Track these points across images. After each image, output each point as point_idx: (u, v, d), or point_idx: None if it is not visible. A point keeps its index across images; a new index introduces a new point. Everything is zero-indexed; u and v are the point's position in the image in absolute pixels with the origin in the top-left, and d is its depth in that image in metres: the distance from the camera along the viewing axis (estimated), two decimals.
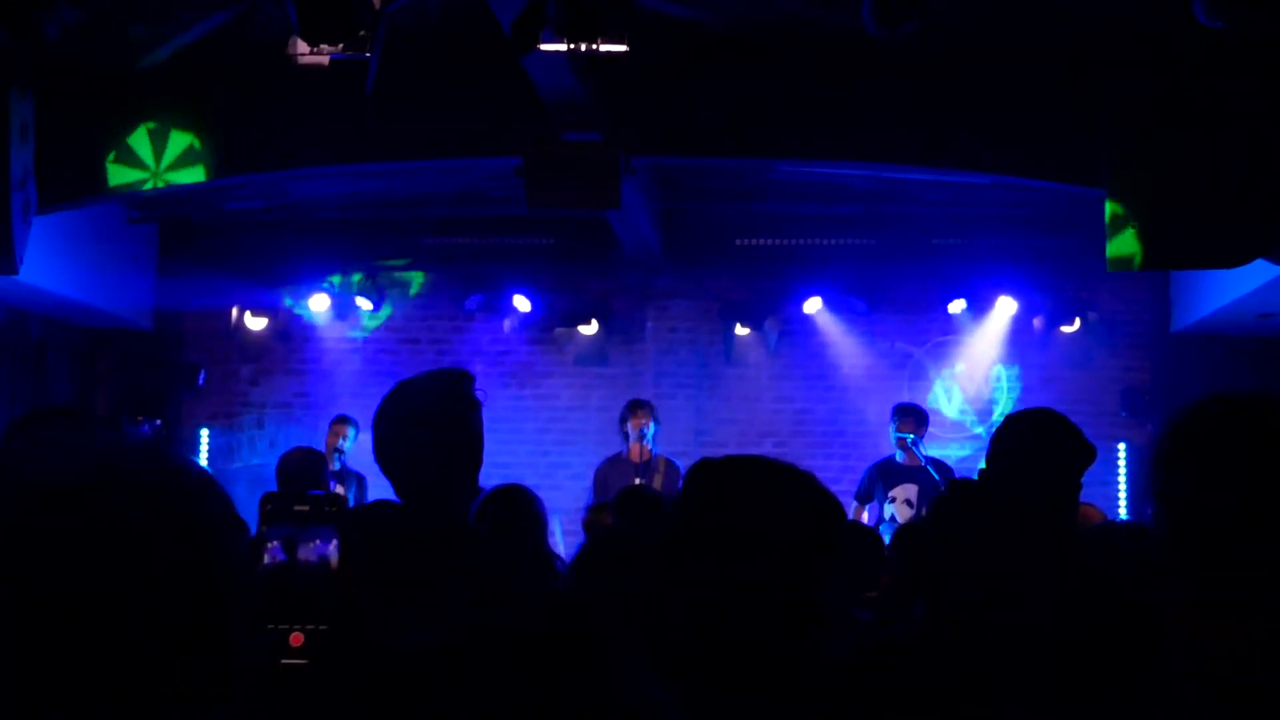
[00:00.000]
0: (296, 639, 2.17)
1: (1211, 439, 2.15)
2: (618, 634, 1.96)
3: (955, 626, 3.11)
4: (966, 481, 3.74)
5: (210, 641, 1.35)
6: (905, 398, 11.49)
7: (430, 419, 3.41)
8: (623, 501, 6.56)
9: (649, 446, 9.91)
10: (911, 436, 9.89)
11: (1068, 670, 3.30)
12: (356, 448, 10.38)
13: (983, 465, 4.02)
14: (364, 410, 12.25)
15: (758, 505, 2.11)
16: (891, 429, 10.07)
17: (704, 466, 2.24)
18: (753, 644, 2.02)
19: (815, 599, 2.07)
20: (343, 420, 10.61)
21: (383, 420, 3.44)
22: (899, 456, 9.95)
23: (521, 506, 5.38)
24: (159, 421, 9.90)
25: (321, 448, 10.48)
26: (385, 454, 3.42)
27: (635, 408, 10.09)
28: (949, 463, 10.23)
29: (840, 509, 2.25)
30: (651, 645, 2.03)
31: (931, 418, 10.54)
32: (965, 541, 3.30)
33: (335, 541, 2.86)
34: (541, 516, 5.48)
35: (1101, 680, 3.23)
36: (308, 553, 2.77)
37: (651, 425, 9.95)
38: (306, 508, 2.95)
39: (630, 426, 9.96)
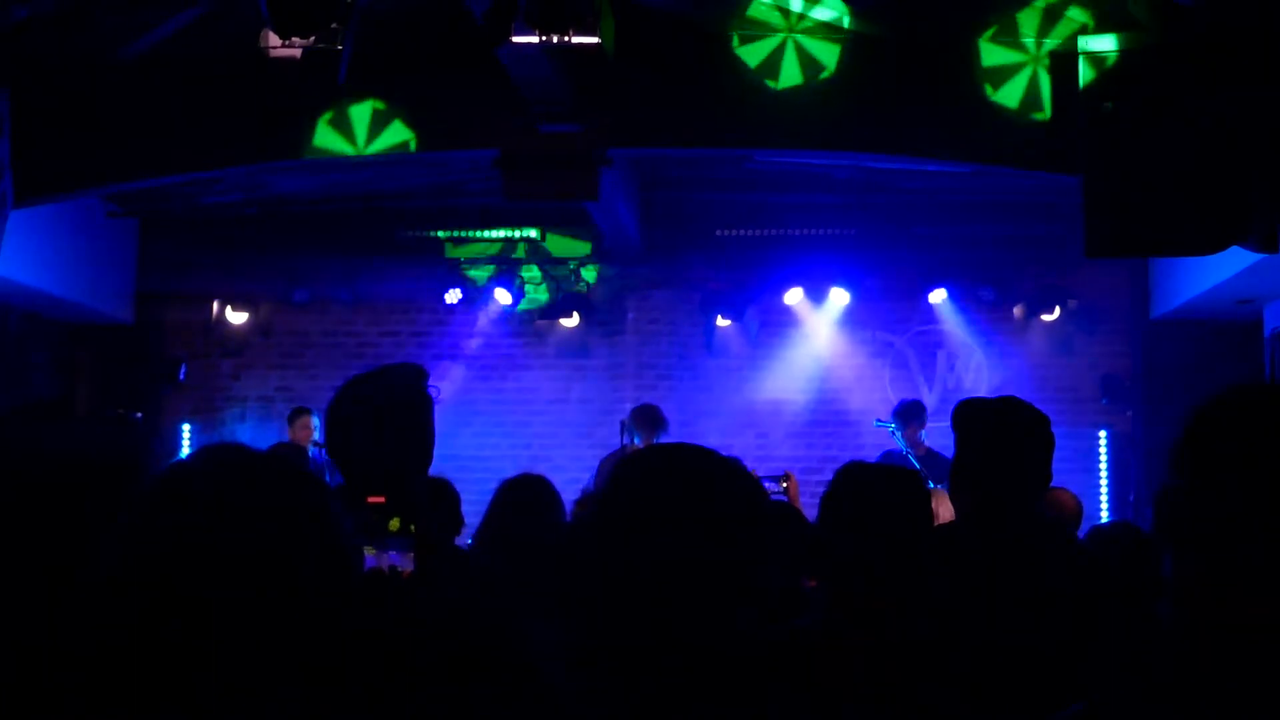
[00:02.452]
0: None
1: (1227, 434, 1.97)
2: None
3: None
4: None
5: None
6: (886, 387, 11.53)
7: (382, 414, 3.42)
8: (604, 469, 6.54)
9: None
10: (892, 426, 9.93)
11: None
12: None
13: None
14: None
15: (685, 488, 2.13)
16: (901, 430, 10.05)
17: (629, 459, 2.28)
18: (684, 624, 2.04)
19: (746, 577, 2.09)
20: (305, 411, 10.61)
21: (335, 414, 3.45)
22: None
23: (543, 494, 5.35)
24: (139, 415, 9.91)
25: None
26: (336, 447, 3.44)
27: (646, 425, 9.83)
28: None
29: (760, 490, 2.26)
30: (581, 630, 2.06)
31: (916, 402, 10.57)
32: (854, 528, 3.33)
33: (408, 555, 2.99)
34: (562, 505, 5.45)
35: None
36: (381, 562, 2.93)
37: (655, 440, 9.77)
38: (382, 499, 3.08)
39: (640, 441, 9.74)
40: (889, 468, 3.93)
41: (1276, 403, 1.95)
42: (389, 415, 3.37)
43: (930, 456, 9.61)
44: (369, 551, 3.13)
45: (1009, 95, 8.30)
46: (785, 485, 6.79)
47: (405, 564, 3.12)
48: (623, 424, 10.01)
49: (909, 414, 10.19)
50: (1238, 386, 2.04)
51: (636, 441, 9.79)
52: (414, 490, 3.31)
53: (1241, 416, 1.94)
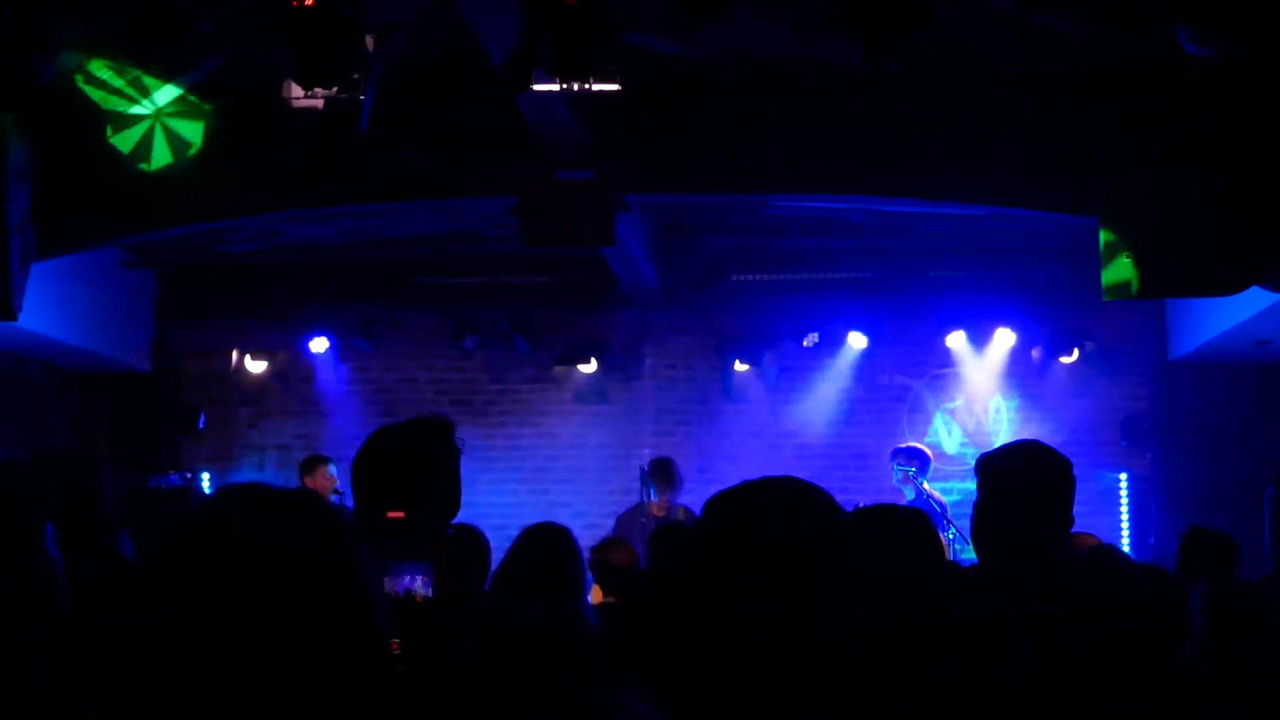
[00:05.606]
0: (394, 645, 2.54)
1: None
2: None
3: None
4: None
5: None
6: (905, 430, 11.51)
7: (408, 466, 3.43)
8: (656, 542, 6.53)
9: (669, 499, 9.81)
10: (912, 470, 9.92)
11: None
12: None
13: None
14: None
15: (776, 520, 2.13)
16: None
17: (721, 494, 2.27)
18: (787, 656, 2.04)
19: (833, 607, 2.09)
20: (322, 460, 10.56)
21: (361, 467, 3.47)
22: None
23: (563, 544, 5.27)
24: (189, 474, 9.89)
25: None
26: (364, 500, 3.45)
27: (662, 479, 9.86)
28: (944, 499, 10.15)
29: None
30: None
31: (931, 451, 10.55)
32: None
33: (424, 579, 3.00)
34: (580, 555, 5.36)
35: None
36: (393, 586, 2.93)
37: (671, 496, 9.81)
38: (401, 514, 3.09)
39: (655, 496, 9.79)
40: (901, 510, 3.96)
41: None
42: (416, 466, 3.37)
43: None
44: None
45: (1026, 138, 8.34)
46: None
47: (422, 588, 3.11)
48: (642, 474, 9.99)
49: (924, 457, 10.17)
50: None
51: (652, 495, 9.79)
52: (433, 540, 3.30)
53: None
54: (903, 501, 9.97)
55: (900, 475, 10.06)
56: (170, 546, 1.71)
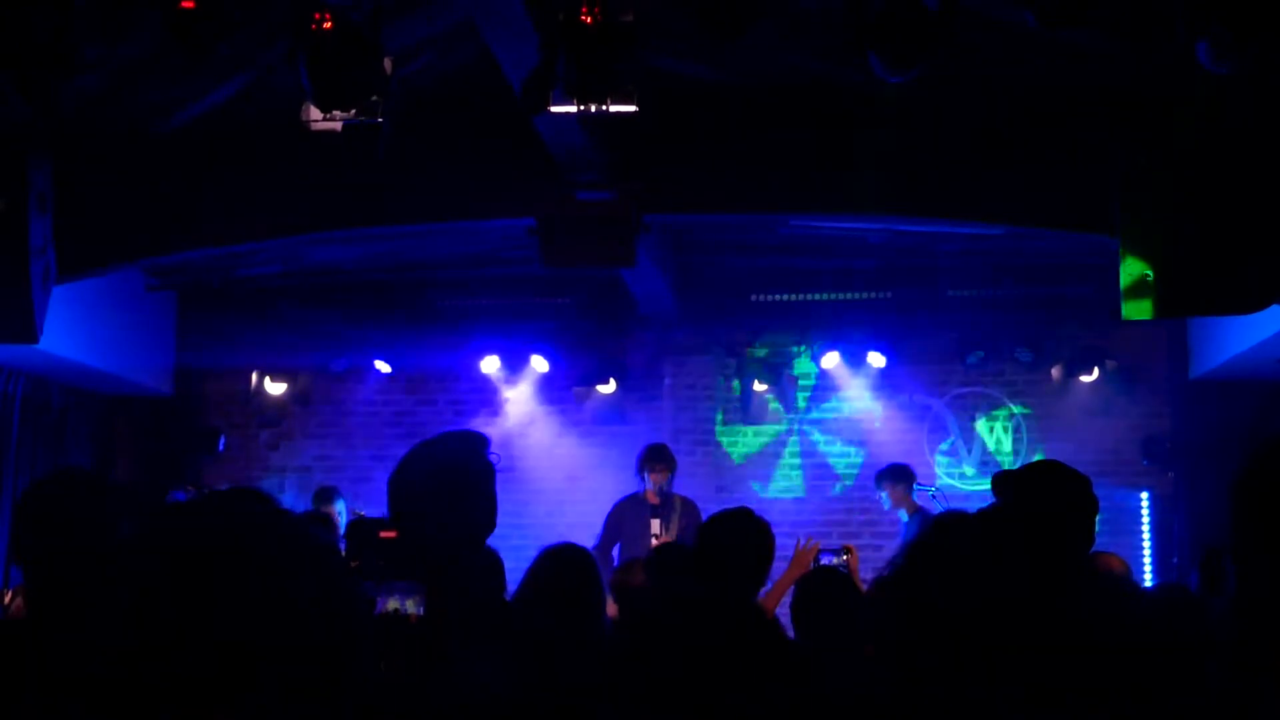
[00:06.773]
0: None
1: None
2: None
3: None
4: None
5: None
6: (925, 450, 11.48)
7: (445, 483, 3.43)
8: (658, 561, 6.50)
9: (666, 490, 9.78)
10: (933, 490, 9.93)
11: None
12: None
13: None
14: (385, 472, 12.19)
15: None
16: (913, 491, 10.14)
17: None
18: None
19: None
20: (329, 496, 10.52)
21: (399, 483, 3.47)
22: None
23: (582, 567, 5.29)
24: (206, 489, 9.91)
25: (346, 508, 10.46)
26: (400, 516, 3.44)
27: (654, 460, 9.91)
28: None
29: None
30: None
31: (952, 469, 10.54)
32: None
33: (417, 598, 3.00)
34: (599, 578, 5.38)
35: None
36: (384, 605, 2.93)
37: (669, 478, 9.81)
38: (394, 534, 3.09)
39: (649, 479, 9.81)
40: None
41: None
42: (451, 483, 3.38)
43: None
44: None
45: (1043, 157, 8.32)
46: (846, 558, 6.70)
47: (413, 608, 3.11)
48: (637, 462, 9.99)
49: (907, 473, 10.24)
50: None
51: (646, 482, 9.75)
52: (472, 558, 3.29)
53: None
54: (900, 525, 10.01)
55: (890, 501, 10.10)
56: (142, 565, 1.68)
